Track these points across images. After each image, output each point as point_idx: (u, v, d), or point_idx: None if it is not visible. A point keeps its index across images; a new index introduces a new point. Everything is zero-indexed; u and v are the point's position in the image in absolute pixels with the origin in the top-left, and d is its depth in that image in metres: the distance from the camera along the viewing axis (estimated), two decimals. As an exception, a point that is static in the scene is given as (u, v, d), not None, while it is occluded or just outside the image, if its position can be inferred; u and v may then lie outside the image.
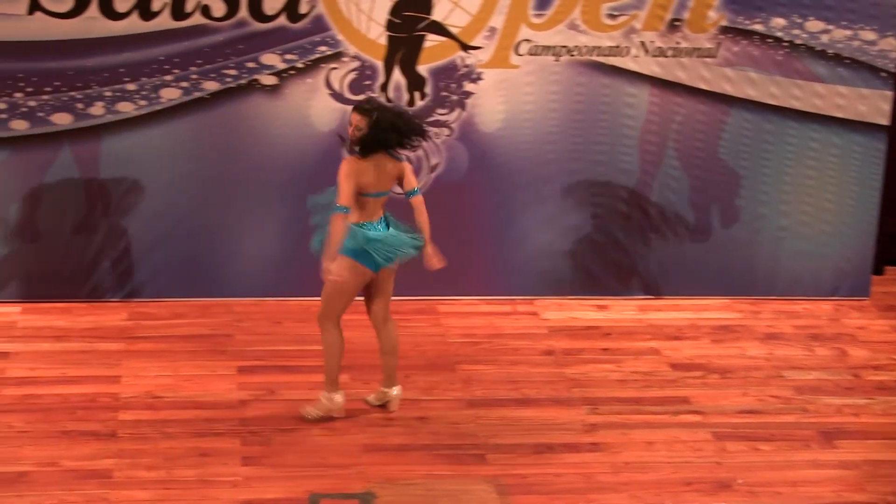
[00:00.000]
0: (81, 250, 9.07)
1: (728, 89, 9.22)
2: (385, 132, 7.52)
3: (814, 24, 9.12)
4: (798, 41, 9.15)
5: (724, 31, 9.08)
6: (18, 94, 8.73)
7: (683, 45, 9.08)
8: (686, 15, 9.02)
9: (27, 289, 9.07)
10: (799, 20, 9.10)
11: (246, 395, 8.12)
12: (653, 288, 9.51)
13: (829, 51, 9.17)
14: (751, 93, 9.24)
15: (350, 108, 7.79)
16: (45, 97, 8.76)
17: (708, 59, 9.12)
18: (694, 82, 9.18)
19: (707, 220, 9.44)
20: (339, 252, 7.48)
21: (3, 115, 8.75)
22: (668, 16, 9.01)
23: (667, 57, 9.10)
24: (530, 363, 8.63)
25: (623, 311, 9.37)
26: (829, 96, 9.27)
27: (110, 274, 9.11)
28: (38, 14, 8.60)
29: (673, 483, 7.41)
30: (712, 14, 9.04)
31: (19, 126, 8.80)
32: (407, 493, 7.20)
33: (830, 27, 9.13)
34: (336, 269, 7.50)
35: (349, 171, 7.53)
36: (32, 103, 8.76)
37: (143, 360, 8.48)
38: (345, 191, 7.50)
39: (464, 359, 8.62)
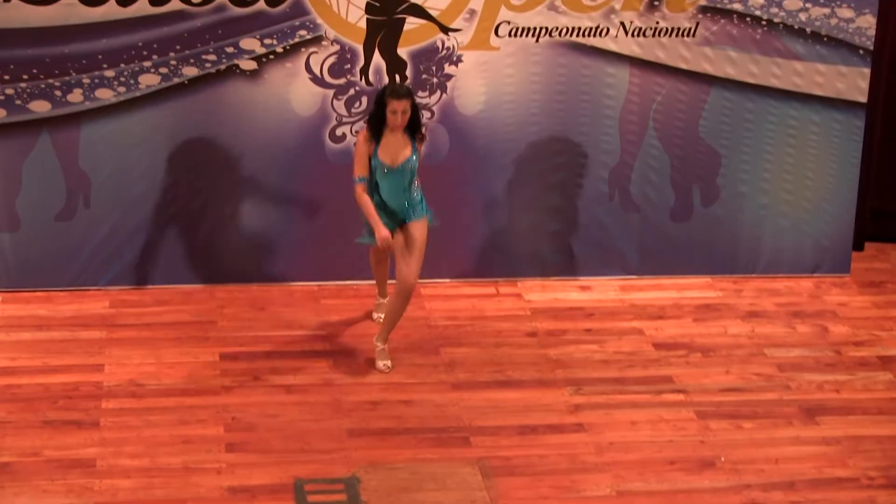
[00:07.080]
0: (62, 239, 9.04)
1: (708, 68, 9.22)
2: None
3: (791, 3, 9.12)
4: (776, 19, 9.15)
5: (703, 10, 9.08)
6: (-4, 83, 8.71)
7: (662, 24, 9.08)
8: (664, -6, 9.04)
9: (7, 278, 9.04)
10: (777, -2, 9.13)
11: (229, 381, 8.12)
12: (635, 268, 9.52)
13: (808, 28, 9.18)
14: (730, 72, 9.24)
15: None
16: (23, 84, 8.73)
17: (687, 39, 9.13)
18: (674, 62, 9.18)
19: (688, 199, 9.45)
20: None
21: (-19, 104, 8.74)
22: (647, -5, 9.03)
23: (646, 37, 9.10)
24: (513, 345, 8.64)
25: (605, 291, 9.38)
26: (807, 74, 9.27)
27: (91, 262, 9.09)
28: (15, 1, 8.56)
29: (657, 462, 7.43)
30: (691, -7, 9.06)
31: (-3, 114, 8.78)
32: (392, 477, 7.21)
33: (808, 5, 9.13)
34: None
35: None
36: (10, 91, 8.73)
37: (125, 347, 8.47)
38: None
39: (447, 342, 8.63)
